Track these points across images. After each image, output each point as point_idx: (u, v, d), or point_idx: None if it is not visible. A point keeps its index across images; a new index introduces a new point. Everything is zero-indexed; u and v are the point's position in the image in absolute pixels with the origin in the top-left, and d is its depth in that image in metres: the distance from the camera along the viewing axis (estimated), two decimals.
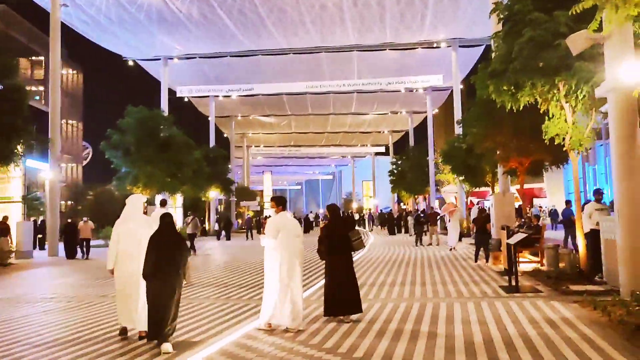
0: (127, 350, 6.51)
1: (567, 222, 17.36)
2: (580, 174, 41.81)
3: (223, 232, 35.16)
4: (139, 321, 7.02)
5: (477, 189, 31.37)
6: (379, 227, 47.66)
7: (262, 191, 77.53)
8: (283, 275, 7.47)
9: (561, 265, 13.22)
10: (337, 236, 8.14)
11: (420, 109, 52.47)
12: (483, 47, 34.25)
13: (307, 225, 43.31)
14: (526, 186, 40.29)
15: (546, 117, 12.17)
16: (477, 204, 41.86)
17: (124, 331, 7.25)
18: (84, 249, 21.45)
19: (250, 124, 58.77)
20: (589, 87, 10.66)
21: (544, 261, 13.63)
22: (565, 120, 11.63)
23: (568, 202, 18.45)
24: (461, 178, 28.33)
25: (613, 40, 8.70)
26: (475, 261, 15.77)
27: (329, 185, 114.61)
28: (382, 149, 70.49)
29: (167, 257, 6.55)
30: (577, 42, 8.87)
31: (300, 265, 7.68)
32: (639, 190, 8.87)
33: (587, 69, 10.36)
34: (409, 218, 33.59)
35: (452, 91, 41.23)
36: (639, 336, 6.47)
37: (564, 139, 11.78)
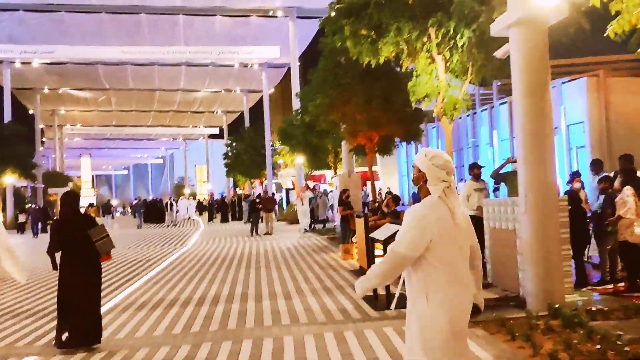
0: None
1: None
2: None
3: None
4: None
5: (318, 172, 29.14)
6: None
7: (80, 177, 68.62)
8: None
9: None
10: (70, 235, 5.72)
11: (256, 87, 49.23)
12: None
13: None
14: (358, 169, 39.36)
15: (414, 75, 9.58)
16: (313, 188, 40.11)
17: None
18: None
19: (61, 98, 50.55)
20: (471, 32, 8.18)
21: None
22: (437, 78, 9.12)
23: None
24: (300, 160, 25.71)
25: None
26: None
27: (160, 169, 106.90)
28: (217, 131, 66.14)
29: None
30: None
31: None
32: (551, 163, 6.49)
33: (471, 5, 7.84)
34: (244, 204, 30.32)
35: (289, 68, 38.66)
36: None
37: (434, 101, 9.31)
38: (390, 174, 46.17)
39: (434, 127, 38.42)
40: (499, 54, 7.55)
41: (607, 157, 24.97)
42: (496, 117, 32.16)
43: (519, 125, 6.59)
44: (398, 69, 15.13)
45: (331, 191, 26.60)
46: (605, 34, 5.86)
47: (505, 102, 31.53)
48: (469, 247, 2.99)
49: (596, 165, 8.68)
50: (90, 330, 5.77)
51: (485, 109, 33.56)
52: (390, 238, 7.38)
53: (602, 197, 8.20)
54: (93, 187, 70.42)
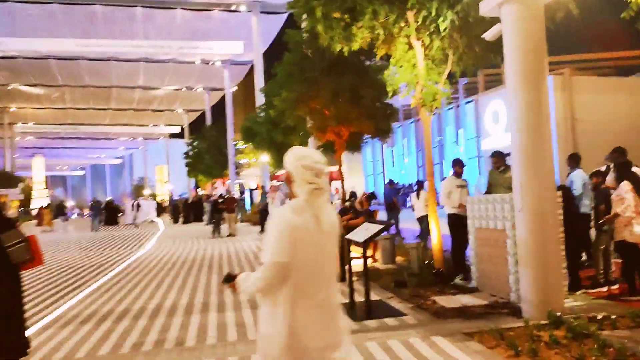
0: None
1: (390, 204, 14.74)
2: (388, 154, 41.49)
3: None
4: None
5: (283, 171, 28.31)
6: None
7: (31, 177, 65.69)
8: None
9: (401, 260, 10.21)
10: None
11: (218, 85, 48.01)
12: (286, 15, 31.09)
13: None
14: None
15: (391, 64, 8.85)
16: (278, 187, 39.30)
17: None
18: None
19: (11, 95, 48.21)
20: (454, 14, 7.52)
21: (378, 255, 10.52)
22: (415, 66, 8.42)
23: (391, 182, 15.95)
24: (265, 158, 24.78)
25: None
26: None
27: (119, 170, 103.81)
28: (178, 130, 64.36)
29: None
30: None
31: None
32: (550, 156, 5.86)
33: None
34: (206, 205, 29.18)
35: (252, 66, 37.68)
36: None
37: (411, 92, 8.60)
38: (355, 174, 45.68)
39: (399, 126, 38.15)
40: (488, 35, 6.89)
41: None
42: (462, 116, 31.99)
43: (514, 115, 5.93)
44: (368, 63, 14.49)
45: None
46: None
47: (471, 101, 31.42)
48: (334, 256, 2.74)
49: (573, 160, 8.15)
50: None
51: (451, 108, 33.38)
52: (370, 239, 6.65)
53: (591, 193, 7.68)
54: (47, 188, 67.47)
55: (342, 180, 14.93)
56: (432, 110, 8.37)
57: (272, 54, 35.31)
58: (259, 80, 30.86)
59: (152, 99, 52.71)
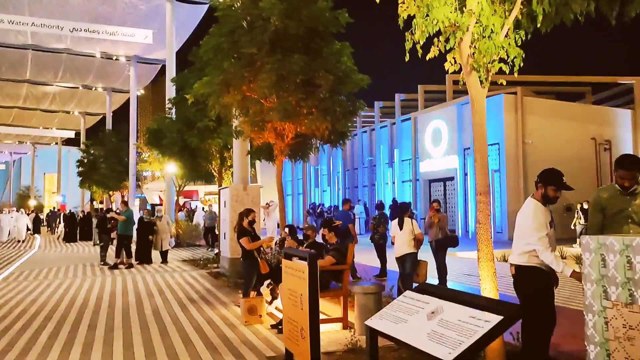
0: None
1: (344, 231, 10.95)
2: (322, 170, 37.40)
3: None
4: None
5: (196, 184, 23.81)
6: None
7: None
8: None
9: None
10: None
11: (122, 87, 42.50)
12: (207, 6, 26.89)
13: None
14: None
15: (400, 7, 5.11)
16: (183, 205, 34.50)
17: None
18: None
19: None
20: None
21: (353, 317, 6.68)
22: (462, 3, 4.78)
23: (346, 202, 12.15)
24: (172, 168, 20.26)
25: None
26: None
27: (3, 177, 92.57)
28: (72, 134, 57.15)
29: None
30: None
31: None
32: None
33: None
34: (94, 220, 23.93)
35: (163, 67, 32.94)
36: None
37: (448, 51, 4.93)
38: (270, 192, 41.58)
39: (364, 131, 33.34)
40: None
41: (523, 181, 22.83)
42: (398, 135, 29.15)
43: None
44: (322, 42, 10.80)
45: (207, 209, 21.43)
46: None
47: (408, 119, 28.68)
48: None
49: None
50: None
51: (386, 125, 30.49)
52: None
53: None
54: None
55: (281, 198, 10.99)
56: (487, 78, 4.75)
57: (187, 56, 30.80)
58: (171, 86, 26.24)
59: (42, 97, 45.93)
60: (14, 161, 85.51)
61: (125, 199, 20.03)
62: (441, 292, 3.09)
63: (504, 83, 4.80)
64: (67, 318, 7.89)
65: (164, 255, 15.69)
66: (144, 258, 15.56)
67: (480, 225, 4.67)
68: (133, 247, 15.29)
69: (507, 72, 4.68)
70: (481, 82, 4.73)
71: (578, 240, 16.98)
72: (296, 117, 10.02)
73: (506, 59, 4.66)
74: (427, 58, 4.98)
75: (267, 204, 17.67)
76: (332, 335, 6.26)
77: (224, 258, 12.44)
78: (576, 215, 18.69)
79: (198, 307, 8.46)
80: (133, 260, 15.11)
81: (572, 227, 18.74)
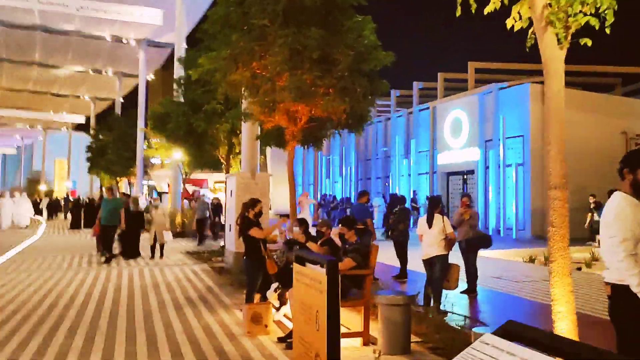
0: None
1: (362, 228, 9.83)
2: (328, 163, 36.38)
3: None
4: None
5: (201, 171, 22.80)
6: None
7: None
8: None
9: (420, 343, 5.37)
10: None
11: (131, 71, 41.54)
12: None
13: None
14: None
15: None
16: (192, 194, 33.51)
17: None
18: None
19: None
20: None
21: (376, 331, 5.61)
22: None
23: (363, 195, 11.06)
24: (178, 155, 19.26)
25: None
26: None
27: (14, 161, 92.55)
28: (82, 119, 56.47)
29: None
30: None
31: None
32: None
33: None
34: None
35: (172, 51, 31.90)
36: None
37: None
38: (280, 183, 40.47)
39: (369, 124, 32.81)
40: None
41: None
42: (415, 125, 27.92)
43: None
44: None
45: (215, 199, 20.44)
46: None
47: (426, 108, 27.43)
48: None
49: None
50: None
51: (402, 115, 29.25)
52: None
53: None
54: None
55: (292, 189, 9.93)
56: (566, 36, 3.64)
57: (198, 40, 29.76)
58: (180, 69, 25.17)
59: (52, 81, 45.18)
60: (26, 146, 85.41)
61: (112, 188, 17.72)
62: (534, 335, 2.01)
63: (589, 44, 3.66)
64: (44, 321, 6.91)
65: (160, 249, 13.91)
66: (130, 252, 13.72)
67: (555, 229, 3.57)
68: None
69: (597, 27, 3.55)
70: (559, 40, 3.61)
71: (597, 237, 15.25)
72: (311, 97, 8.92)
73: (595, 9, 3.53)
74: (486, 12, 3.87)
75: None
76: (350, 353, 5.19)
77: (229, 252, 11.43)
78: (589, 214, 17.14)
79: (195, 311, 7.44)
80: (110, 254, 13.26)
81: (586, 227, 17.17)
